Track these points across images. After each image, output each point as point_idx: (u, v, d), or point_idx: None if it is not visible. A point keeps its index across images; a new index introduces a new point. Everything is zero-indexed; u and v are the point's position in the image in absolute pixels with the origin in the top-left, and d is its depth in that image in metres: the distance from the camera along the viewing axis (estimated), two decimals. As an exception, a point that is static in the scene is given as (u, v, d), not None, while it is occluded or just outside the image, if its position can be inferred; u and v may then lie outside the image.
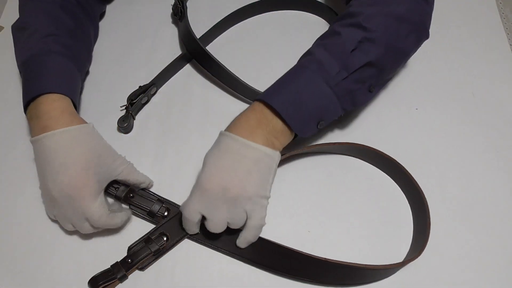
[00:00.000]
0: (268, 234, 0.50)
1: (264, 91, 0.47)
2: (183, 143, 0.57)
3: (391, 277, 0.48)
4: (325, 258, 0.45)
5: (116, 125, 0.56)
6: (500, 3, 0.72)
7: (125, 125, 0.56)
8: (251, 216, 0.45)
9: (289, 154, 0.51)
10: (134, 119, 0.58)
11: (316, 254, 0.46)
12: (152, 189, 0.53)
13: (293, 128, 0.45)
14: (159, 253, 0.48)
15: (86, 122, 0.48)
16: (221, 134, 0.46)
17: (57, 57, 0.50)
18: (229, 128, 0.46)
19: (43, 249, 0.49)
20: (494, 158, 0.56)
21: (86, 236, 0.49)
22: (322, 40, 0.49)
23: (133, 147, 0.56)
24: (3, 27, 0.66)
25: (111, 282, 0.46)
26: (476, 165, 0.55)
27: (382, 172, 0.55)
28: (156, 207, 0.50)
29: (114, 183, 0.50)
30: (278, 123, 0.45)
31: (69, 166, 0.44)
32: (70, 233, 0.50)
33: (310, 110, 0.45)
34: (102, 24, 0.67)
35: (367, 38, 0.46)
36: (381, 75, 0.48)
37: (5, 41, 0.64)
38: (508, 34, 0.68)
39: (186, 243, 0.50)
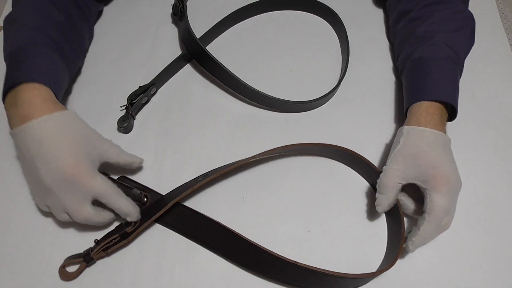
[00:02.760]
0: (268, 234, 0.50)
1: (432, 93, 0.50)
2: (183, 143, 0.57)
3: (363, 287, 0.48)
4: (295, 261, 0.44)
5: (116, 125, 0.56)
6: (500, 3, 0.73)
7: (125, 125, 0.56)
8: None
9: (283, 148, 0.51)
10: (134, 119, 0.58)
11: (312, 255, 0.45)
12: (152, 188, 0.52)
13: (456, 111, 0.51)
14: (124, 236, 0.47)
15: (67, 109, 0.47)
16: (431, 132, 0.47)
17: (41, 48, 0.49)
18: (432, 127, 0.48)
19: (42, 249, 0.49)
20: (494, 158, 0.56)
21: (85, 232, 0.49)
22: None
23: (133, 147, 0.56)
24: (3, 27, 0.66)
25: (76, 259, 0.47)
26: (475, 165, 0.56)
27: (364, 180, 0.55)
28: (135, 193, 0.50)
29: None
30: (445, 112, 0.50)
31: (61, 153, 0.43)
32: (69, 233, 0.50)
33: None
34: (102, 24, 0.67)
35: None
36: None
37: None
38: (508, 34, 0.68)
39: (186, 243, 0.50)
